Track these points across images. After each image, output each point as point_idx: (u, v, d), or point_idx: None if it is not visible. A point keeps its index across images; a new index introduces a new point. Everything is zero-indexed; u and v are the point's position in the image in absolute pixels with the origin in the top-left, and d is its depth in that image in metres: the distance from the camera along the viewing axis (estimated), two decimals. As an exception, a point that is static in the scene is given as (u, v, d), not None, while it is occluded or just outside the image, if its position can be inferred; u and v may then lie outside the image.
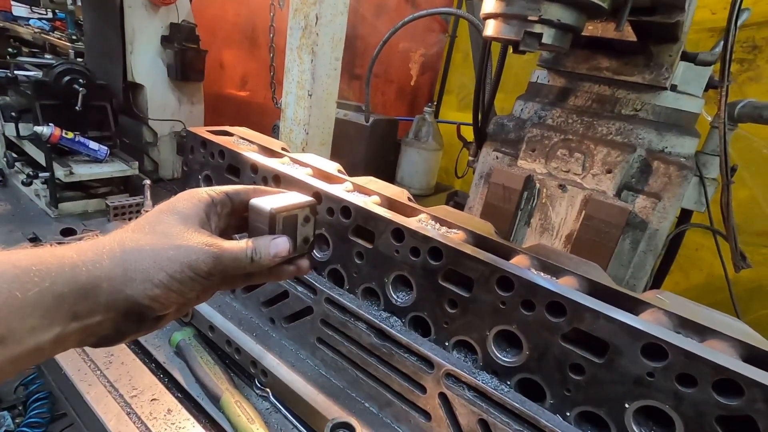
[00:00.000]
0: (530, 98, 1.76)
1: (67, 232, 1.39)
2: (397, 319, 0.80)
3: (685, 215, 1.99)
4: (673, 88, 1.55)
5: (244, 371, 0.95)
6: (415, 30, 2.78)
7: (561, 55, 1.60)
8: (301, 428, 0.86)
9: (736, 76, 2.30)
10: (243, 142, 1.13)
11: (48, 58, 3.02)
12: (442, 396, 0.72)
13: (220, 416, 0.87)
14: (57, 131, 2.66)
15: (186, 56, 3.44)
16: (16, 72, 2.76)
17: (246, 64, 4.22)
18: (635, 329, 0.57)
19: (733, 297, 1.75)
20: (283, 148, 1.13)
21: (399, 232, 0.77)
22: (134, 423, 0.82)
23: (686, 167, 1.47)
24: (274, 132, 2.75)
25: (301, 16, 2.10)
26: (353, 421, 0.51)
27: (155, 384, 0.92)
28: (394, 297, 0.80)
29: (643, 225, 1.52)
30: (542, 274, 0.69)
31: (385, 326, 0.78)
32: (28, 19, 5.34)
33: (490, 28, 0.83)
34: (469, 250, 0.71)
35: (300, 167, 1.01)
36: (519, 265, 0.70)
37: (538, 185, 1.65)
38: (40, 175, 2.73)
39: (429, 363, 0.73)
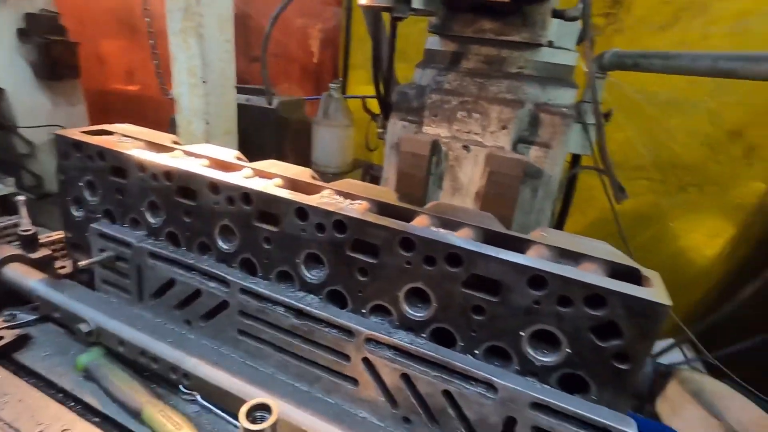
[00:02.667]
0: (427, 65, 1.81)
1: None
2: (314, 296, 0.81)
3: (576, 160, 2.21)
4: (550, 44, 1.68)
5: (166, 380, 0.91)
6: (309, 5, 2.69)
7: (447, 19, 1.66)
8: (236, 422, 0.84)
9: (604, 28, 2.55)
10: (126, 140, 1.04)
11: None
12: (365, 360, 0.75)
13: (146, 431, 0.83)
14: None
15: (52, 51, 3.04)
16: None
17: (129, 54, 3.81)
18: (520, 265, 0.64)
19: (619, 226, 2.00)
20: (174, 142, 1.05)
21: (302, 210, 0.77)
22: (44, 459, 0.76)
23: (568, 116, 1.61)
24: (171, 126, 2.55)
25: (179, -3, 1.94)
26: (270, 402, 0.51)
27: (64, 414, 0.85)
28: (308, 275, 0.81)
29: (538, 173, 1.66)
30: (441, 230, 0.74)
31: (301, 305, 0.79)
32: None
33: (364, -2, 0.84)
34: (371, 218, 0.73)
35: (194, 159, 0.95)
36: (420, 225, 0.74)
37: (444, 149, 1.73)
38: None
39: (349, 332, 0.76)
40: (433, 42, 1.81)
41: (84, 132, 1.03)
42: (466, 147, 1.70)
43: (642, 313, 0.58)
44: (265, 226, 0.82)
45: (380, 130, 2.01)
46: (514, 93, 1.62)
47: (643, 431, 0.93)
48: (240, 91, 2.39)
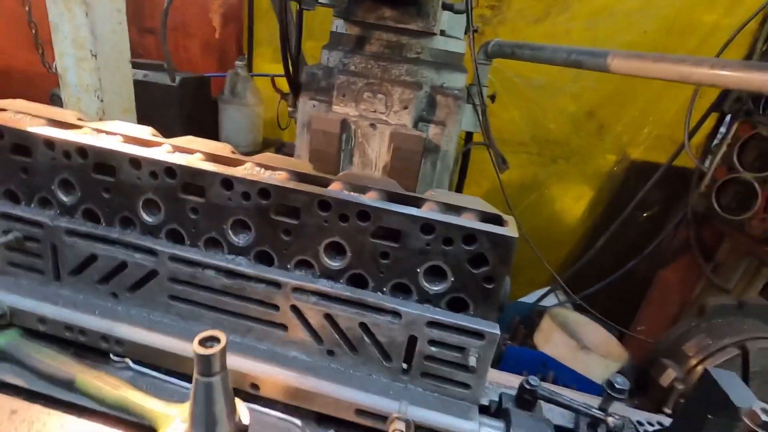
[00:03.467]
0: (334, 47, 1.92)
1: None
2: (242, 258, 0.91)
3: (469, 137, 2.51)
4: (443, 33, 1.89)
5: (93, 352, 0.94)
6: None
7: (352, 5, 1.77)
8: (174, 380, 0.92)
9: (490, 19, 2.87)
10: (23, 116, 1.00)
11: None
12: (293, 307, 0.88)
13: (80, 399, 0.86)
14: None
15: None
16: None
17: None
18: (414, 216, 0.81)
19: (504, 193, 2.34)
20: (79, 119, 1.04)
21: (228, 181, 0.86)
22: (-28, 436, 0.76)
23: (459, 98, 1.85)
24: (53, 103, 2.31)
25: (58, -41, 1.77)
26: (218, 333, 0.61)
27: (-16, 394, 0.84)
28: (235, 240, 0.90)
29: (436, 148, 1.89)
30: (352, 193, 0.88)
31: (232, 266, 0.88)
32: None
33: (274, -13, 0.92)
34: (293, 185, 0.85)
35: (107, 136, 0.96)
36: (334, 189, 0.88)
37: (353, 127, 1.87)
38: None
39: (277, 284, 0.87)
40: (339, 25, 1.92)
41: (-30, 108, 0.97)
42: (372, 125, 1.86)
43: (501, 244, 0.79)
44: (191, 197, 0.89)
45: (291, 109, 2.08)
46: (413, 76, 1.81)
47: (521, 358, 1.20)
48: (135, 66, 2.25)
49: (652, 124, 2.77)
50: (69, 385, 0.86)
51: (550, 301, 2.81)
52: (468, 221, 0.82)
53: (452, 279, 0.83)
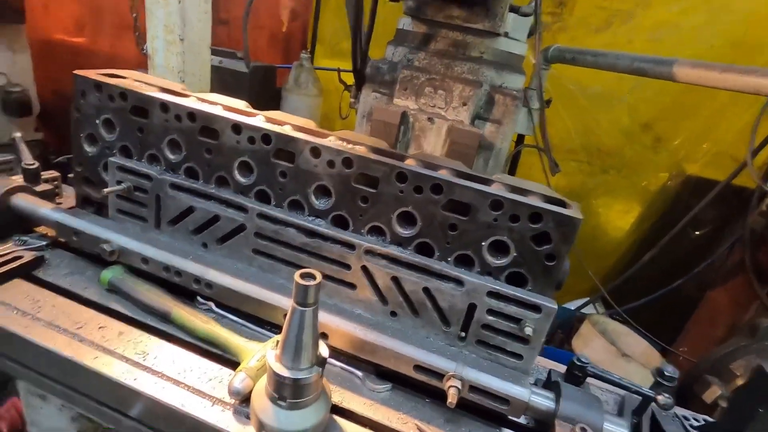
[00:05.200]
0: (399, 43, 2.01)
1: None
2: (321, 220, 1.01)
3: (520, 139, 2.54)
4: (506, 34, 1.94)
5: (183, 293, 1.06)
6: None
7: (421, 4, 1.86)
8: (249, 325, 1.03)
9: (550, 26, 2.89)
10: (141, 84, 1.14)
11: None
12: (364, 268, 0.97)
13: (173, 330, 0.99)
14: None
15: (-5, -9, 2.85)
16: None
17: (77, 4, 3.60)
18: (486, 192, 0.88)
19: (552, 197, 2.34)
20: (183, 89, 1.18)
21: (316, 149, 0.96)
22: (88, 347, 0.90)
23: (518, 98, 1.90)
24: (138, 82, 2.53)
25: (160, -49, 1.96)
26: (315, 272, 0.71)
27: (97, 316, 0.98)
28: (317, 203, 1.00)
29: (490, 146, 1.94)
30: (426, 169, 0.96)
31: (313, 226, 0.98)
32: None
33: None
34: (374, 156, 0.94)
35: (210, 105, 1.09)
36: (410, 164, 0.96)
37: (411, 119, 1.95)
38: None
39: (351, 246, 0.97)
40: (406, 23, 2.01)
41: (100, 74, 1.12)
42: (430, 119, 1.93)
43: (565, 224, 0.84)
44: (281, 162, 1.00)
45: (352, 100, 2.18)
46: (474, 74, 1.88)
47: (557, 359, 1.25)
48: (212, 53, 2.43)
49: (712, 141, 2.69)
50: (165, 316, 0.99)
51: (589, 311, 2.78)
52: (533, 200, 0.88)
53: (514, 254, 0.90)
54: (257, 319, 1.03)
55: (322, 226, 0.98)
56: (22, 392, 1.06)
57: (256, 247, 1.04)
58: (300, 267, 1.02)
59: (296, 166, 0.99)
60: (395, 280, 0.96)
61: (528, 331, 0.87)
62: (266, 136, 0.99)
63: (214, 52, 2.41)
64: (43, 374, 0.92)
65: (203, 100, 1.12)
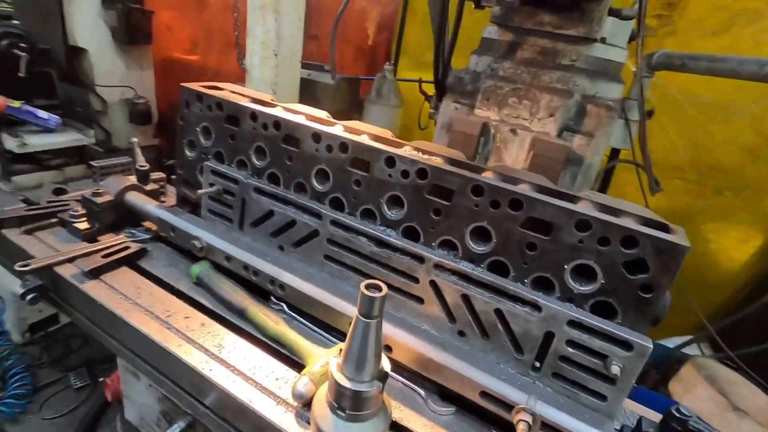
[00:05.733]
0: (483, 52, 1.95)
1: (59, 192, 1.44)
2: (392, 230, 0.99)
3: (615, 153, 2.32)
4: (603, 40, 1.79)
5: (258, 292, 1.12)
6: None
7: (509, 11, 1.79)
8: (316, 329, 1.05)
9: (656, 30, 2.61)
10: (235, 95, 1.24)
11: (-20, 21, 2.80)
12: (432, 283, 0.94)
13: (247, 326, 1.04)
14: (1, 100, 2.55)
15: (131, 17, 3.31)
16: (-57, 37, 2.56)
17: (194, 26, 4.07)
18: (571, 211, 0.80)
19: (650, 219, 2.10)
20: (272, 100, 1.25)
21: (391, 159, 0.95)
22: (175, 335, 0.98)
23: (613, 108, 1.73)
24: (237, 94, 2.77)
25: (262, -25, 2.13)
26: (381, 284, 0.69)
27: (185, 307, 1.07)
28: (389, 213, 0.99)
29: (579, 160, 1.79)
30: (504, 182, 0.90)
31: (383, 236, 0.97)
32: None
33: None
34: (449, 168, 0.90)
35: (294, 114, 1.14)
36: (488, 177, 0.91)
37: (492, 131, 1.88)
38: (-9, 147, 2.61)
39: (420, 259, 0.94)
40: (491, 31, 1.95)
41: (202, 86, 1.24)
42: (513, 131, 1.84)
43: (667, 252, 0.73)
44: (357, 171, 1.01)
45: (432, 111, 2.17)
46: (564, 83, 1.75)
47: (650, 403, 1.09)
48: (302, 66, 2.58)
49: None
50: (241, 313, 1.05)
51: (691, 350, 2.42)
52: (627, 222, 0.78)
53: (602, 281, 0.80)
54: (324, 325, 1.04)
55: (393, 237, 0.97)
56: (121, 368, 1.19)
57: (328, 253, 1.06)
58: (368, 276, 1.01)
59: (371, 175, 0.99)
60: (465, 298, 0.91)
61: (615, 369, 0.77)
62: (343, 145, 1.01)
63: (303, 66, 2.57)
64: (137, 354, 1.02)
65: (288, 110, 1.18)
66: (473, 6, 1.59)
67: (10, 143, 2.57)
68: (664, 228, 0.79)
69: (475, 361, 0.88)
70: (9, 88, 2.61)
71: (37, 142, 2.69)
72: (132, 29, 3.24)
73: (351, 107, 2.73)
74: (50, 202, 1.34)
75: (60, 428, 2.47)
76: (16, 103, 2.61)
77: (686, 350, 2.43)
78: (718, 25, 2.49)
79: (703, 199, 2.68)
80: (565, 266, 0.83)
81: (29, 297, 1.10)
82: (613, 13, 1.66)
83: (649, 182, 1.88)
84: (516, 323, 0.86)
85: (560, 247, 0.82)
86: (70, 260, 1.14)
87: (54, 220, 1.29)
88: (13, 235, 1.22)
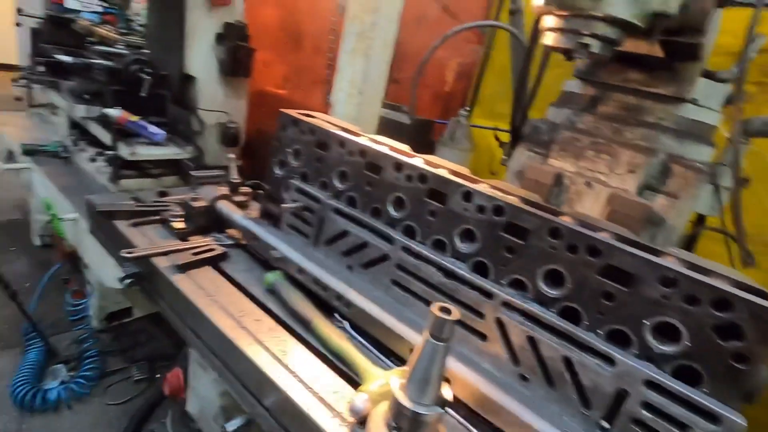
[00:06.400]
0: (562, 105, 1.97)
1: (162, 194, 1.63)
2: (461, 263, 1.01)
3: (701, 220, 2.17)
4: (694, 101, 1.74)
5: (324, 307, 1.16)
6: (453, 40, 3.00)
7: (595, 67, 1.81)
8: (374, 350, 1.06)
9: (755, 97, 2.47)
10: (326, 123, 1.36)
11: (120, 49, 3.31)
12: (498, 320, 0.93)
13: (310, 337, 1.08)
14: (124, 114, 2.94)
15: (237, 53, 3.72)
16: (91, 60, 3.04)
17: (287, 64, 4.49)
18: (656, 264, 0.77)
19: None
20: (359, 130, 1.35)
21: (469, 193, 0.99)
22: (246, 334, 1.04)
23: (702, 171, 1.65)
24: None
25: (358, 23, 2.34)
26: (453, 308, 0.71)
27: (256, 310, 1.14)
28: (460, 246, 1.01)
29: (660, 221, 1.70)
30: (584, 227, 0.89)
31: (453, 267, 0.99)
32: (80, 11, 5.72)
33: (550, 39, 1.05)
34: (527, 207, 0.92)
35: (378, 145, 1.23)
36: (567, 221, 0.91)
37: (566, 182, 1.85)
38: (107, 153, 3.00)
39: (488, 294, 0.94)
40: (572, 85, 1.97)
41: (298, 113, 1.37)
42: (588, 183, 1.80)
43: (766, 320, 0.68)
44: (433, 202, 1.05)
45: (504, 157, 2.19)
46: (648, 141, 1.71)
47: None
48: (382, 105, 2.74)
49: None
50: (307, 324, 1.09)
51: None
52: (722, 283, 0.74)
53: (688, 343, 0.75)
54: (383, 347, 1.06)
55: (462, 269, 0.98)
56: (192, 359, 1.28)
57: (395, 278, 1.09)
58: (433, 305, 1.03)
59: (446, 207, 1.03)
60: (532, 340, 0.89)
61: (698, 443, 0.70)
62: (423, 176, 1.06)
63: (383, 105, 2.73)
64: (209, 347, 1.10)
65: (373, 140, 1.26)
66: (564, 58, 1.63)
67: (124, 151, 2.96)
68: (763, 295, 0.74)
69: (537, 409, 0.85)
70: (131, 104, 3.03)
71: (145, 153, 3.06)
72: (236, 63, 3.65)
73: (424, 148, 2.82)
74: (155, 202, 1.52)
75: (117, 415, 2.63)
76: (135, 118, 3.02)
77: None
78: (830, 95, 2.30)
79: (805, 282, 2.38)
80: (646, 322, 0.79)
81: (127, 281, 1.24)
82: (708, 74, 1.62)
83: (742, 255, 1.73)
84: (585, 375, 0.82)
85: (641, 301, 0.79)
86: (165, 254, 1.27)
87: (156, 217, 1.45)
88: (122, 226, 1.39)
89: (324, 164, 1.27)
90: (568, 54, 1.02)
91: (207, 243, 1.35)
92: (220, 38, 3.66)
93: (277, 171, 1.40)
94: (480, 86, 3.27)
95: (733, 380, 0.72)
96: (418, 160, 1.13)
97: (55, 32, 4.06)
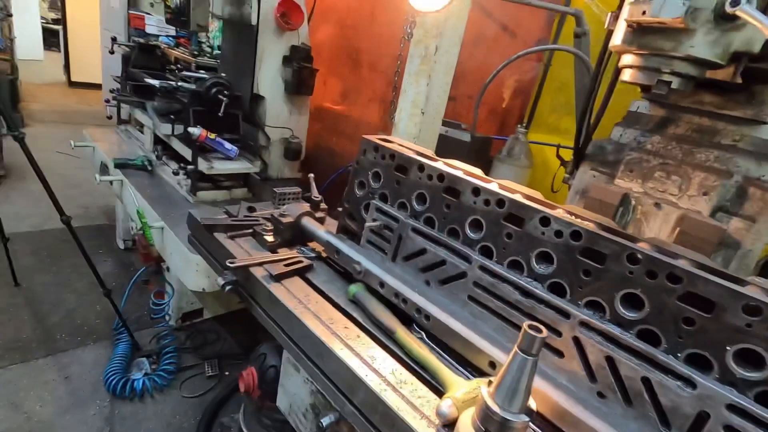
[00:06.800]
0: (629, 125, 1.97)
1: (251, 210, 1.81)
2: (538, 283, 1.08)
3: (779, 245, 2.08)
4: (773, 122, 1.70)
5: (403, 318, 1.27)
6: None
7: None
8: (453, 362, 1.15)
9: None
10: (404, 149, 1.48)
11: (201, 73, 3.65)
12: (575, 339, 0.99)
13: (394, 346, 1.19)
14: (204, 132, 3.23)
15: (301, 74, 3.96)
16: (176, 83, 3.36)
17: (345, 82, 4.71)
18: (739, 293, 0.81)
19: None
20: (433, 155, 1.46)
21: (546, 219, 1.06)
22: (336, 339, 1.17)
23: (782, 194, 1.61)
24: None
25: (422, 47, 2.47)
26: (542, 327, 0.78)
27: (344, 319, 1.27)
28: (537, 267, 1.08)
29: (736, 245, 1.67)
30: (664, 255, 0.94)
31: (530, 287, 1.06)
32: (158, 36, 6.28)
33: (628, 75, 1.11)
34: (605, 234, 0.98)
35: (454, 169, 1.33)
36: (645, 247, 0.96)
37: (633, 202, 1.85)
38: (188, 167, 3.30)
39: (566, 314, 1.00)
40: (640, 106, 1.97)
41: (378, 138, 1.50)
42: (657, 204, 1.80)
43: None
44: (510, 225, 1.13)
45: (567, 176, 2.21)
46: (723, 164, 1.68)
47: None
48: (441, 123, 2.84)
49: None
50: (391, 334, 1.20)
51: None
52: (809, 316, 0.76)
53: (772, 370, 0.78)
54: (460, 358, 1.14)
55: (539, 289, 1.06)
56: (284, 360, 1.43)
57: (472, 294, 1.18)
58: (510, 322, 1.10)
59: (523, 231, 1.10)
60: (610, 360, 0.94)
61: (784, 468, 0.73)
62: (501, 201, 1.15)
63: (442, 123, 2.83)
64: (301, 349, 1.24)
65: (449, 165, 1.37)
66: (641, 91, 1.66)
67: (203, 165, 3.25)
68: None
69: (614, 424, 0.90)
70: (208, 122, 3.33)
71: (220, 167, 3.35)
72: (300, 83, 3.90)
73: (482, 164, 2.89)
74: (246, 216, 1.71)
75: (192, 406, 2.87)
76: (212, 135, 3.32)
77: None
78: None
79: None
80: (728, 348, 0.82)
81: (228, 288, 1.41)
82: (789, 97, 1.58)
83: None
84: (665, 396, 0.87)
85: (723, 327, 0.83)
86: (260, 264, 1.43)
87: (248, 231, 1.63)
88: (221, 237, 1.58)
89: (403, 186, 1.39)
90: (646, 89, 1.07)
91: (295, 255, 1.51)
92: (286, 60, 3.93)
93: (358, 191, 1.53)
94: (538, 103, 3.29)
95: (820, 409, 0.74)
96: (494, 185, 1.22)
97: (142, 57, 4.53)
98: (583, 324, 0.98)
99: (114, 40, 4.49)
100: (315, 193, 1.72)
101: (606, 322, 0.97)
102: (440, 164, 1.34)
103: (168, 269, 3.27)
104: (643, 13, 0.96)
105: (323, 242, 1.51)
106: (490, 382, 0.86)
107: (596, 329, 0.96)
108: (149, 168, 3.76)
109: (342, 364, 1.09)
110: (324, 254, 1.58)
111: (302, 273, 1.46)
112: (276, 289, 1.34)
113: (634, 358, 0.91)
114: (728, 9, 0.87)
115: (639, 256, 0.92)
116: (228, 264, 1.37)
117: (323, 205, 1.82)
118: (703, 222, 1.65)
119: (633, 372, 0.91)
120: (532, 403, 0.83)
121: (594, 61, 1.93)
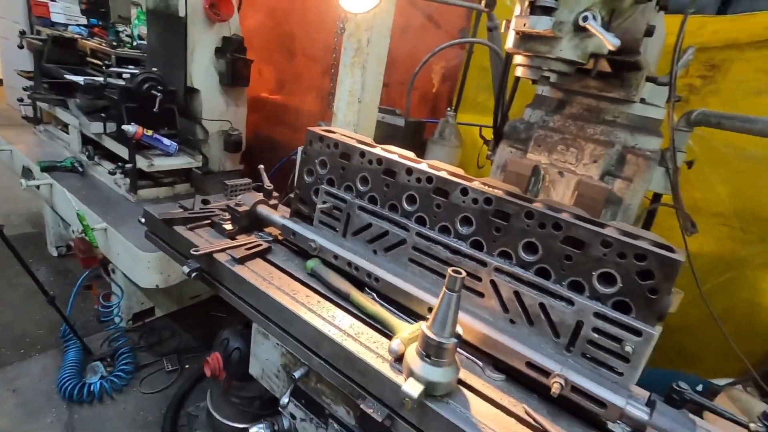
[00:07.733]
0: (536, 107, 2.31)
1: (205, 202, 1.92)
2: (462, 242, 1.34)
3: (656, 197, 2.56)
4: (642, 100, 2.10)
5: (356, 283, 1.49)
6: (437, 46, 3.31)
7: (560, 76, 2.14)
8: (399, 312, 1.39)
9: (700, 89, 2.85)
10: (346, 138, 1.67)
11: (131, 68, 3.54)
12: (492, 282, 1.27)
13: (350, 306, 1.40)
14: (140, 129, 3.20)
15: (236, 65, 3.98)
16: (103, 80, 3.27)
17: (282, 72, 4.75)
18: (598, 232, 1.12)
19: (690, 260, 2.30)
20: (371, 142, 1.67)
21: (465, 189, 1.32)
22: (300, 306, 1.36)
23: (650, 158, 2.02)
24: (320, 131, 3.28)
25: (355, 39, 2.65)
26: (462, 270, 1.03)
27: (305, 289, 1.46)
28: (461, 229, 1.34)
29: (619, 201, 2.07)
30: (550, 210, 1.23)
31: (457, 245, 1.32)
32: (67, 25, 5.84)
33: (519, 71, 1.38)
34: (509, 198, 1.25)
35: (391, 153, 1.55)
36: (538, 206, 1.25)
37: (542, 172, 2.20)
38: (126, 166, 3.25)
39: (483, 263, 1.28)
40: (543, 90, 2.31)
41: (322, 130, 1.68)
42: (560, 173, 2.15)
43: (667, 264, 1.03)
44: (437, 197, 1.38)
45: (489, 153, 2.53)
46: (607, 136, 2.06)
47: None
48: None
49: None
50: (346, 297, 1.42)
51: (734, 393, 2.48)
52: (643, 243, 1.08)
53: (620, 285, 1.10)
54: (405, 309, 1.39)
55: (463, 246, 1.32)
56: (253, 332, 1.60)
57: (412, 257, 1.42)
58: (443, 276, 1.36)
59: (448, 201, 1.36)
60: (516, 294, 1.23)
61: (628, 349, 1.05)
62: (429, 178, 1.39)
63: (378, 110, 3.04)
64: (269, 319, 1.41)
65: (386, 150, 1.58)
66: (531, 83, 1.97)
67: (142, 163, 3.21)
68: (670, 249, 1.09)
69: (522, 341, 1.19)
70: (144, 120, 3.28)
71: (161, 164, 3.32)
72: (235, 74, 3.90)
73: (417, 146, 3.15)
74: (202, 208, 1.82)
75: (155, 402, 2.92)
76: (149, 132, 3.27)
77: (728, 391, 2.49)
78: (762, 86, 2.69)
79: (749, 246, 2.79)
80: (593, 273, 1.13)
81: (193, 275, 1.54)
82: (650, 80, 1.97)
83: (684, 223, 2.10)
84: (555, 314, 1.17)
85: (589, 259, 1.13)
86: (222, 250, 1.57)
87: (206, 221, 1.75)
88: (181, 230, 1.69)
89: (347, 171, 1.58)
90: (533, 82, 1.35)
91: (254, 240, 1.66)
92: (219, 51, 3.91)
93: (307, 178, 1.71)
94: (464, 87, 3.60)
95: (650, 307, 1.07)
96: (424, 165, 1.45)
97: (57, 51, 4.24)
98: (497, 269, 1.25)
99: (23, 33, 4.16)
100: (267, 183, 1.86)
101: (513, 265, 1.25)
102: (378, 150, 1.56)
103: (114, 271, 3.23)
104: (524, 24, 1.22)
105: (279, 226, 1.68)
106: (428, 319, 1.10)
107: (506, 272, 1.24)
108: (80, 169, 3.61)
109: (308, 325, 1.29)
110: (280, 237, 1.75)
111: (263, 255, 1.62)
112: (241, 270, 1.49)
113: (533, 290, 1.20)
114: (581, 23, 1.16)
115: (533, 212, 1.21)
116: (192, 252, 1.50)
117: (275, 193, 1.97)
118: (593, 184, 2.02)
119: (533, 300, 1.20)
120: (459, 330, 1.09)
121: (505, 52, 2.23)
